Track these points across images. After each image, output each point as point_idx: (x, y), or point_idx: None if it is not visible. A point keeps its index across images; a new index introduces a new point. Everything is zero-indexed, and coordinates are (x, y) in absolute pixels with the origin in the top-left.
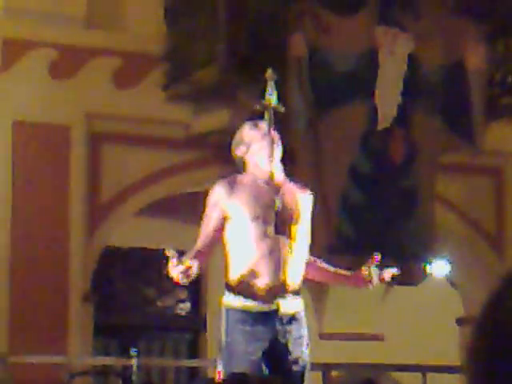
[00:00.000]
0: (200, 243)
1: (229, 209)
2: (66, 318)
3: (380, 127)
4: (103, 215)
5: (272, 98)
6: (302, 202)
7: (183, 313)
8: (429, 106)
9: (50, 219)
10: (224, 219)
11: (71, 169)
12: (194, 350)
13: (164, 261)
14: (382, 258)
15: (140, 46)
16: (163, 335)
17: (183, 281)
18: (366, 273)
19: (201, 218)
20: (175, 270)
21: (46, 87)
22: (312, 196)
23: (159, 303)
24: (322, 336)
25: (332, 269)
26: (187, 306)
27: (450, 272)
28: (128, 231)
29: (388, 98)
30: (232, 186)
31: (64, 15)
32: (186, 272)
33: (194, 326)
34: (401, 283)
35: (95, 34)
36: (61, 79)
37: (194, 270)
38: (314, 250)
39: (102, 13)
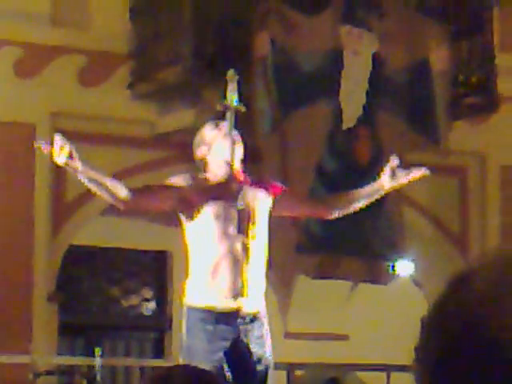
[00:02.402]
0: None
1: (194, 204)
2: (30, 317)
3: (345, 127)
4: (68, 214)
5: (233, 98)
6: (262, 200)
7: (148, 312)
8: (393, 106)
9: (15, 218)
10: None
11: (36, 168)
12: (159, 350)
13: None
14: (349, 256)
15: (105, 44)
16: (128, 335)
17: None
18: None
19: (165, 218)
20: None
21: (11, 85)
22: (278, 188)
23: (124, 303)
24: (287, 335)
25: (355, 191)
26: (152, 305)
27: (414, 271)
28: (93, 230)
29: (353, 97)
30: (195, 183)
31: (29, 13)
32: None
33: (159, 326)
34: (369, 282)
35: (60, 32)
36: (26, 77)
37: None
38: (282, 247)
39: (67, 11)
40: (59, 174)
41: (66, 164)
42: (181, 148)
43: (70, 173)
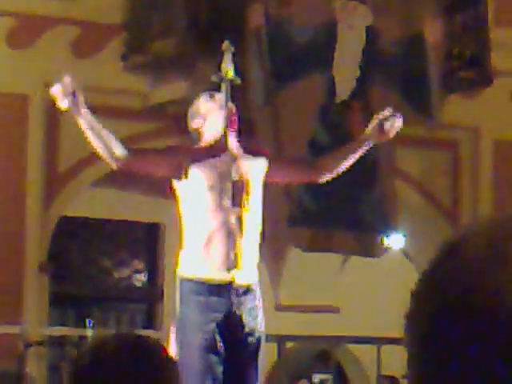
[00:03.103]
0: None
1: (188, 171)
2: (21, 288)
3: (338, 100)
4: (60, 185)
5: (229, 69)
6: (256, 171)
7: (139, 283)
8: (387, 79)
9: (6, 188)
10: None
11: (29, 138)
12: (150, 321)
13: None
14: (341, 229)
15: (99, 15)
16: (119, 306)
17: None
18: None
19: (158, 189)
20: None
21: (4, 56)
22: (266, 159)
23: (115, 274)
24: (278, 308)
25: (341, 149)
26: (143, 276)
27: (406, 245)
28: (84, 201)
29: (346, 70)
30: (192, 152)
31: None
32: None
33: (150, 297)
34: (360, 255)
35: (54, 3)
36: (19, 48)
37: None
38: (274, 220)
39: None
40: (52, 145)
41: (69, 109)
42: (174, 119)
43: (63, 144)
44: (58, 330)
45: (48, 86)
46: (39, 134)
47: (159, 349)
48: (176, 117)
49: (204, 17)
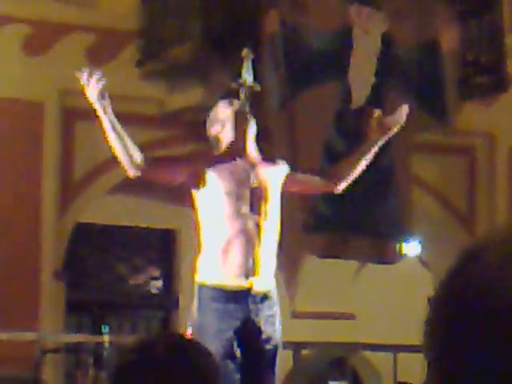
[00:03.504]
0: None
1: (206, 178)
2: (37, 295)
3: (354, 106)
4: (76, 192)
5: (248, 76)
6: (275, 178)
7: (155, 291)
8: (402, 86)
9: (23, 196)
10: (188, 176)
11: (44, 145)
12: (166, 328)
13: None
14: (357, 235)
15: (114, 22)
16: (135, 313)
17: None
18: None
19: (173, 196)
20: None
21: (20, 63)
22: (286, 166)
23: (131, 281)
24: (294, 314)
25: (352, 154)
26: (159, 283)
27: (422, 251)
28: (100, 208)
29: (362, 76)
30: (210, 159)
31: None
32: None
33: (166, 304)
34: (376, 262)
35: (69, 9)
36: (34, 55)
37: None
38: (289, 227)
39: None
40: (67, 151)
41: (97, 100)
42: (189, 126)
43: (78, 151)
44: (74, 337)
45: (63, 93)
46: (54, 142)
47: (207, 353)
48: (192, 123)
49: (219, 23)
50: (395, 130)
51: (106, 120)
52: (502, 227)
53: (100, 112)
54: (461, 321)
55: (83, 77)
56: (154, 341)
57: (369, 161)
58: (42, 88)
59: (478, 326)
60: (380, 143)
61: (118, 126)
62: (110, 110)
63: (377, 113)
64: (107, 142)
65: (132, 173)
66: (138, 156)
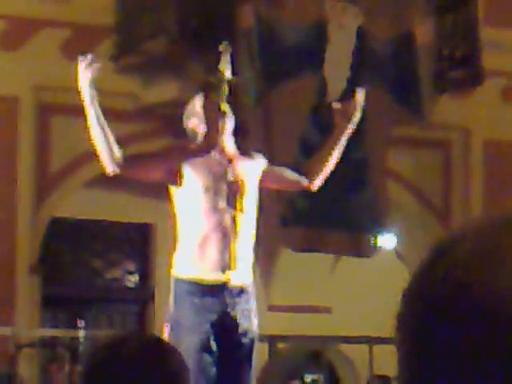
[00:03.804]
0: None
1: (184, 174)
2: (13, 289)
3: (329, 100)
4: (51, 186)
5: (227, 70)
6: (252, 172)
7: (131, 284)
8: (378, 79)
9: None
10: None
11: (20, 140)
12: (142, 322)
13: None
14: (333, 229)
15: (89, 17)
16: (111, 307)
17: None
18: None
19: (149, 190)
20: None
21: None
22: (263, 160)
23: (107, 275)
24: (270, 308)
25: (322, 150)
26: (135, 278)
27: (398, 245)
28: (76, 202)
29: (337, 70)
30: (187, 153)
31: None
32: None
33: (142, 298)
34: (352, 255)
35: (43, 5)
36: (9, 50)
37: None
38: (266, 221)
39: None
40: (43, 146)
41: (87, 88)
42: (165, 120)
43: (54, 145)
44: (50, 332)
45: (39, 88)
46: (30, 136)
47: (177, 353)
48: (167, 117)
49: (194, 18)
50: (357, 116)
51: (92, 110)
52: (475, 221)
53: (87, 101)
54: (431, 316)
55: (84, 62)
56: (125, 339)
57: (340, 153)
58: (17, 83)
59: (447, 322)
60: (347, 133)
61: (102, 119)
62: (96, 103)
63: (335, 105)
64: (89, 134)
65: (111, 169)
66: (117, 152)
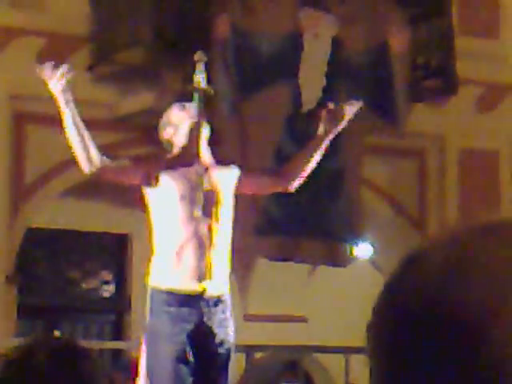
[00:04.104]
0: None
1: (160, 180)
2: None
3: (304, 109)
4: (27, 196)
5: (202, 80)
6: (227, 181)
7: (107, 294)
8: (353, 89)
9: None
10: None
11: None
12: (119, 332)
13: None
14: (308, 238)
15: (64, 26)
16: (87, 317)
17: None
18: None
19: (125, 200)
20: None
21: None
22: (237, 170)
23: (83, 285)
24: (246, 317)
25: (304, 151)
26: (111, 287)
27: (373, 254)
28: (52, 213)
29: (312, 80)
30: (164, 162)
31: None
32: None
33: (118, 308)
34: (328, 264)
35: (19, 13)
36: None
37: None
38: (241, 230)
39: None
40: (18, 155)
41: (60, 93)
42: (141, 130)
43: (29, 155)
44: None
45: (14, 97)
46: (5, 146)
47: (90, 358)
48: (143, 127)
49: (170, 27)
50: (344, 123)
51: (68, 113)
52: (448, 231)
53: (62, 105)
54: (402, 327)
55: (47, 69)
56: (33, 348)
57: (320, 156)
58: None
59: (419, 333)
60: (330, 137)
61: (79, 121)
62: (72, 104)
63: (330, 105)
64: (66, 136)
65: (87, 169)
66: (94, 153)
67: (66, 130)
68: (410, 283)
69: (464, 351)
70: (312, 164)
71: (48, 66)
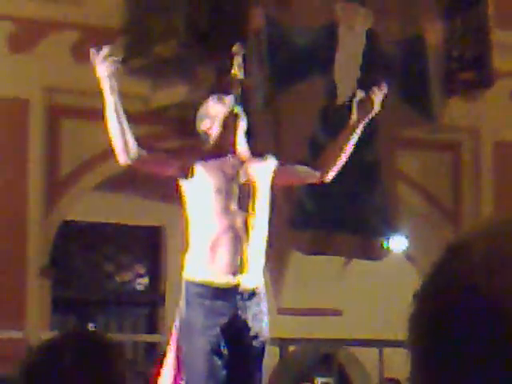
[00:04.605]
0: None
1: (196, 173)
2: (23, 293)
3: (339, 102)
4: (62, 190)
5: (239, 72)
6: (263, 174)
7: (141, 288)
8: (387, 81)
9: (9, 194)
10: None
11: (30, 143)
12: (152, 325)
13: None
14: (343, 231)
15: (99, 19)
16: (121, 310)
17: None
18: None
19: (159, 193)
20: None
21: (5, 61)
22: (274, 161)
23: (117, 278)
24: (280, 311)
25: (335, 143)
26: (145, 280)
27: (408, 247)
28: (87, 206)
29: (347, 72)
30: (200, 155)
31: None
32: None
33: (152, 301)
34: (362, 258)
35: (54, 7)
36: (19, 52)
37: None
38: (275, 224)
39: None
40: (53, 149)
41: (107, 78)
42: (175, 123)
43: (64, 148)
44: None
45: (49, 90)
46: (40, 139)
47: (118, 352)
48: (177, 120)
49: (204, 20)
50: (374, 111)
51: (111, 101)
52: (487, 222)
53: (106, 91)
54: (444, 316)
55: (101, 53)
56: (61, 343)
57: (352, 146)
58: (27, 85)
59: (461, 322)
60: (360, 127)
61: (120, 110)
62: (116, 93)
63: (359, 94)
64: (105, 125)
65: (123, 160)
66: (132, 144)
67: (107, 117)
68: (453, 272)
69: (508, 340)
70: (345, 154)
71: (102, 50)
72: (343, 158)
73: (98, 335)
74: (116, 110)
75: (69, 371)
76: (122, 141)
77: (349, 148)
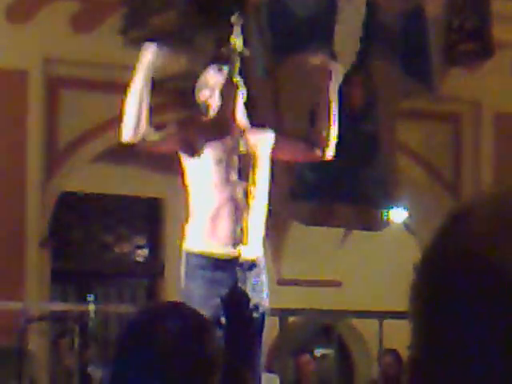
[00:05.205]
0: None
1: (197, 145)
2: (22, 263)
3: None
4: (60, 161)
5: (238, 42)
6: (263, 145)
7: (141, 259)
8: (387, 52)
9: (7, 164)
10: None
11: (28, 113)
12: (152, 296)
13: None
14: (343, 202)
15: None
16: (121, 281)
17: None
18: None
19: (158, 164)
20: None
21: (3, 31)
22: (272, 134)
23: (117, 249)
24: (280, 281)
25: (317, 112)
26: (145, 251)
27: (408, 218)
28: (85, 177)
29: (347, 43)
30: (199, 125)
31: None
32: None
33: (152, 272)
34: (362, 229)
35: None
36: (18, 23)
37: None
38: (275, 194)
39: None
40: (52, 120)
41: (150, 53)
42: (174, 94)
43: (63, 119)
44: (60, 306)
45: (47, 61)
46: (39, 110)
47: (214, 329)
48: (176, 91)
49: None
50: (338, 72)
51: (139, 82)
52: (488, 191)
53: (143, 64)
54: (447, 283)
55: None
56: (166, 311)
57: (336, 111)
58: (26, 56)
59: (464, 288)
60: (333, 89)
61: (147, 87)
62: (149, 81)
63: (314, 60)
64: (126, 96)
65: (126, 137)
66: (143, 127)
67: (130, 93)
68: (455, 238)
69: (504, 306)
70: (333, 123)
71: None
72: (333, 130)
73: (198, 312)
74: (141, 87)
75: (172, 335)
76: (133, 120)
77: (333, 117)
